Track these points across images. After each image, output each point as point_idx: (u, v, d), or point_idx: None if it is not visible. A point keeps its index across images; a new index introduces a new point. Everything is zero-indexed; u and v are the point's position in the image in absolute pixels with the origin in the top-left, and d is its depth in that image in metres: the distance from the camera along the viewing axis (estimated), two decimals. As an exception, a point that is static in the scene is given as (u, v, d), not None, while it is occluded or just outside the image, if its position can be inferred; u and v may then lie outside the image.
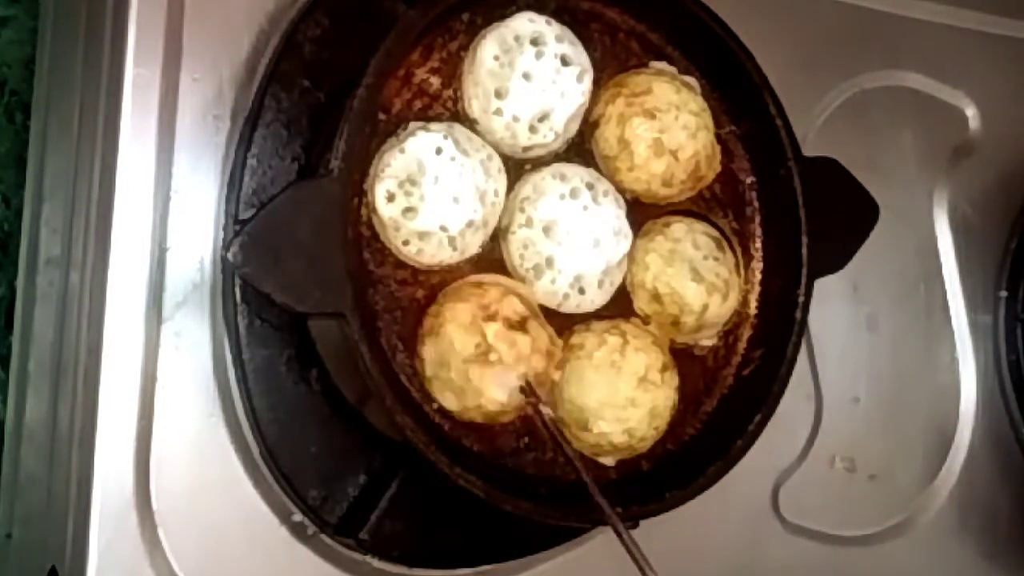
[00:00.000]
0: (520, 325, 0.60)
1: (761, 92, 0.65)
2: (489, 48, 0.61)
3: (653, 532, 0.61)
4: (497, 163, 0.62)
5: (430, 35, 0.61)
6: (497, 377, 0.59)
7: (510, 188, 0.62)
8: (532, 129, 0.62)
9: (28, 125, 0.81)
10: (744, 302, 0.67)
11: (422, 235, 0.59)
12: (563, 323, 0.62)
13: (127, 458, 0.59)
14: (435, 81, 0.61)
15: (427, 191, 0.59)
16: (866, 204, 0.69)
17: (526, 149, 0.62)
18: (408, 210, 0.59)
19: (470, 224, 0.60)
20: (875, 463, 0.80)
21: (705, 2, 0.65)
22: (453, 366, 0.58)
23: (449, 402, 0.59)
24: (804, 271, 0.65)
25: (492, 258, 0.62)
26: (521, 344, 0.60)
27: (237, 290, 0.60)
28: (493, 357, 0.59)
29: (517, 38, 0.61)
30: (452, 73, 0.62)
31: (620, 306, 0.64)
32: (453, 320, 0.58)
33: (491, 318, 0.59)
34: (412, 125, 0.60)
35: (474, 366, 0.58)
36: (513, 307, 0.60)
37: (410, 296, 0.60)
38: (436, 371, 0.58)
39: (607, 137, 0.64)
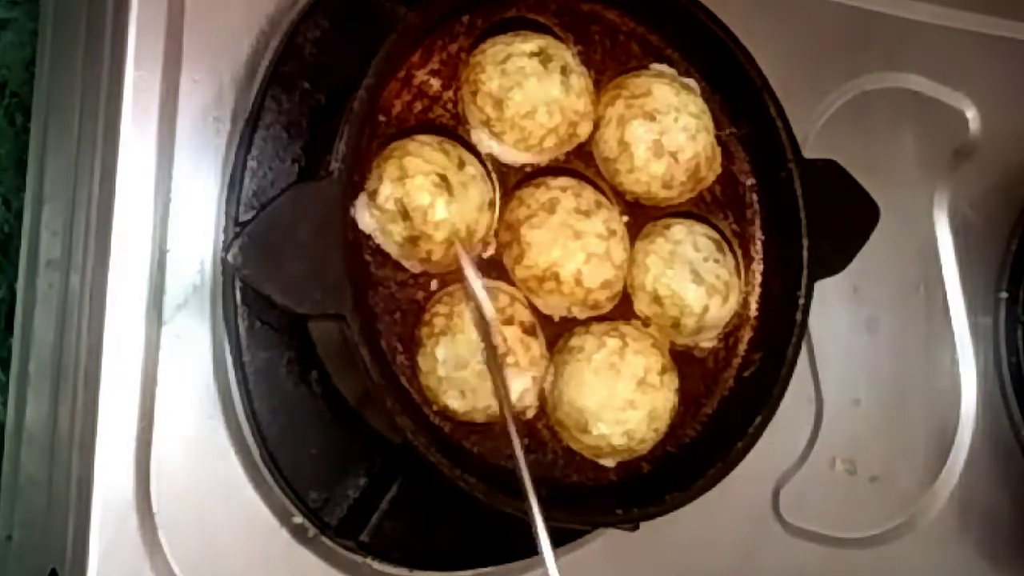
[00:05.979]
0: (532, 330, 0.60)
1: (761, 94, 0.65)
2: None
3: (654, 534, 0.61)
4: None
5: (430, 37, 0.61)
6: (512, 380, 0.59)
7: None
8: None
9: (28, 127, 0.81)
10: (744, 304, 0.67)
11: (422, 237, 0.59)
12: (558, 330, 0.62)
13: (127, 460, 0.59)
14: (435, 83, 0.61)
15: (427, 193, 0.59)
16: (866, 206, 0.69)
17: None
18: (408, 212, 0.59)
19: (470, 226, 0.60)
20: (876, 465, 0.80)
21: (705, 4, 0.65)
22: (471, 367, 0.58)
23: (455, 402, 0.59)
24: (804, 273, 0.65)
25: (492, 260, 0.62)
26: (534, 349, 0.60)
27: (237, 292, 0.60)
28: (511, 360, 0.59)
29: None
30: (452, 75, 0.62)
31: (620, 308, 0.64)
32: (474, 322, 0.58)
33: (508, 322, 0.59)
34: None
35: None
36: (524, 313, 0.60)
37: (410, 298, 0.60)
38: (449, 371, 0.58)
39: (607, 139, 0.64)
